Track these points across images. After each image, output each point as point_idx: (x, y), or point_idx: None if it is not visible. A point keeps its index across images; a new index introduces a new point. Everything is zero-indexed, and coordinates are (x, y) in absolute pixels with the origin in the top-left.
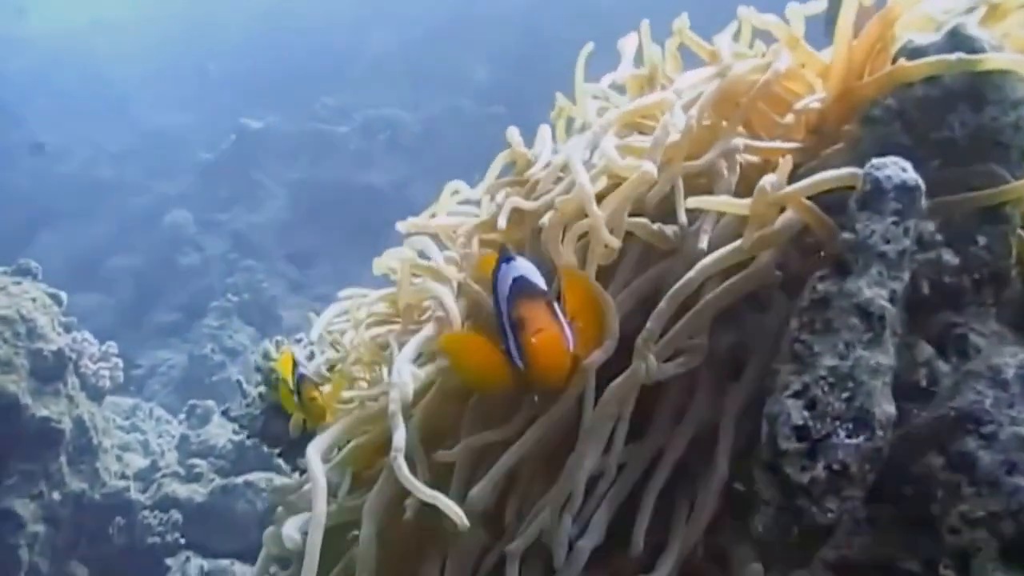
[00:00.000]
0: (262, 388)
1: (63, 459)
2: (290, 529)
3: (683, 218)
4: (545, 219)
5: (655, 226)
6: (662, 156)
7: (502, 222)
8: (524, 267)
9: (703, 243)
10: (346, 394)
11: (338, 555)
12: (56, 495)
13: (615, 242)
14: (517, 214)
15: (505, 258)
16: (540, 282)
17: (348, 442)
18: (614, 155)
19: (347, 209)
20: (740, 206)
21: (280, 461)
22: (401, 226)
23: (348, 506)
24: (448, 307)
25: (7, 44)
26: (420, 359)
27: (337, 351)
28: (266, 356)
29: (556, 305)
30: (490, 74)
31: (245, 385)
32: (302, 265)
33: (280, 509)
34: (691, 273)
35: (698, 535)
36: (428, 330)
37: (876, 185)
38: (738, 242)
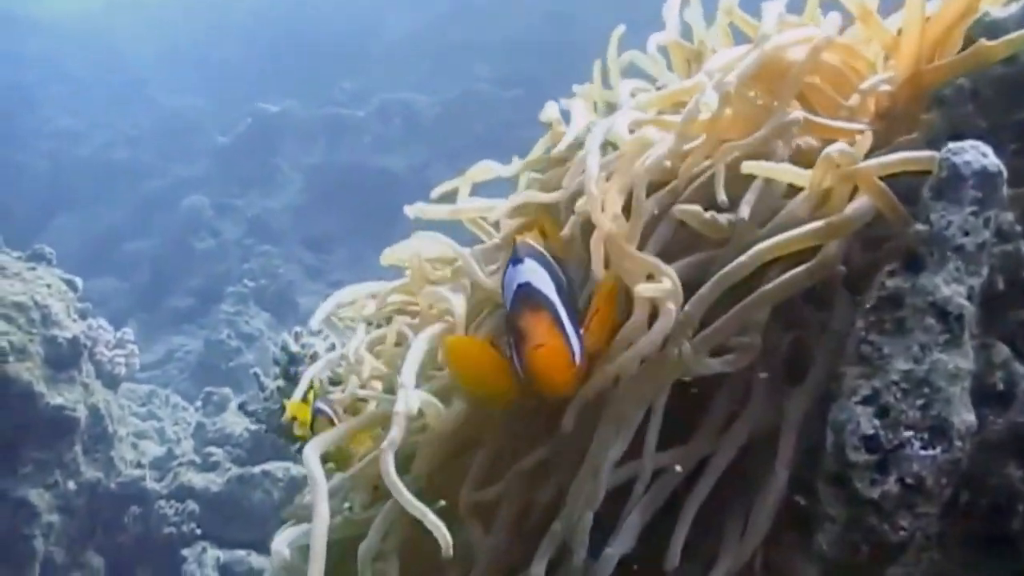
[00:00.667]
0: (280, 381)
1: (78, 448)
2: (280, 544)
3: (723, 196)
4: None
5: (707, 214)
6: (694, 131)
7: (496, 215)
8: (531, 271)
9: (744, 213)
10: (360, 392)
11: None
12: (71, 484)
13: (607, 224)
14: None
15: (514, 259)
16: (547, 287)
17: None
18: (623, 131)
19: (364, 194)
20: (799, 175)
21: (300, 456)
22: (409, 211)
23: (360, 519)
24: (457, 315)
25: (24, 27)
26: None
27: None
28: (284, 348)
29: (563, 313)
30: (508, 57)
31: (263, 378)
32: (319, 250)
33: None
34: (743, 258)
35: (752, 550)
36: (423, 344)
37: (954, 171)
38: (802, 228)
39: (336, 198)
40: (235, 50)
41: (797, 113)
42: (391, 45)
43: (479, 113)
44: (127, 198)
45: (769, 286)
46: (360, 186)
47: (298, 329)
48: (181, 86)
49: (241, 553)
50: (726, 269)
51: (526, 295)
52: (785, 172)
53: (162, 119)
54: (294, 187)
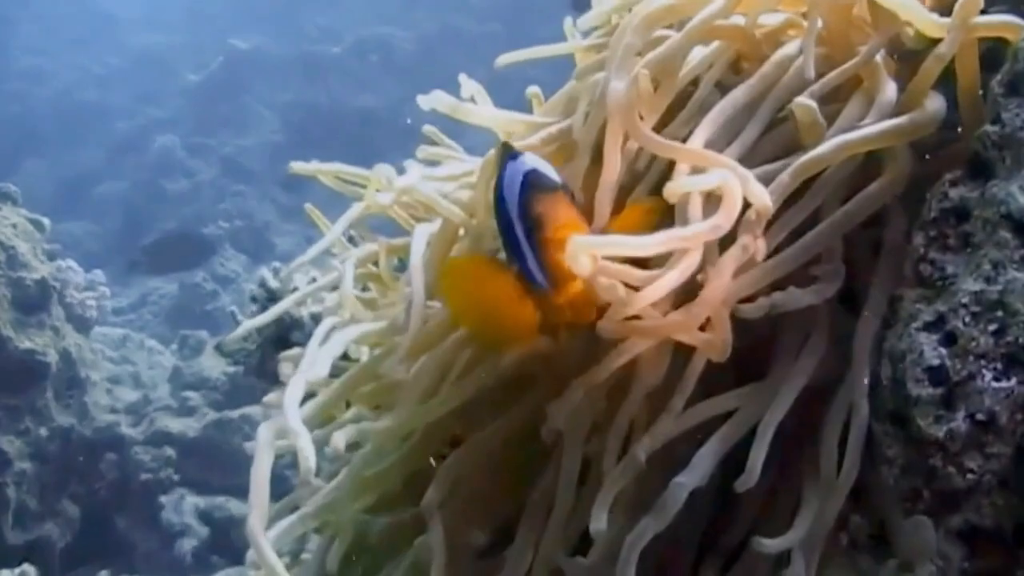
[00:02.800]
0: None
1: (49, 394)
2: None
3: (811, 71)
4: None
5: (811, 104)
6: None
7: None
8: (534, 160)
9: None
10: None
11: None
12: (43, 431)
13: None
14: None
15: (510, 156)
16: (556, 177)
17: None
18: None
19: (340, 132)
20: (932, 23)
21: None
22: (423, 101)
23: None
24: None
25: None
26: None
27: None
28: (262, 284)
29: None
30: None
31: (239, 316)
32: (295, 190)
33: None
34: (824, 148)
35: (844, 496)
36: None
37: None
38: (901, 119)
39: (311, 137)
40: None
41: None
42: None
43: (457, 48)
44: (98, 139)
45: (850, 205)
46: (336, 124)
47: (276, 264)
48: (149, 23)
49: (221, 499)
50: (806, 158)
51: (536, 180)
52: (910, 7)
53: (131, 57)
54: (268, 126)
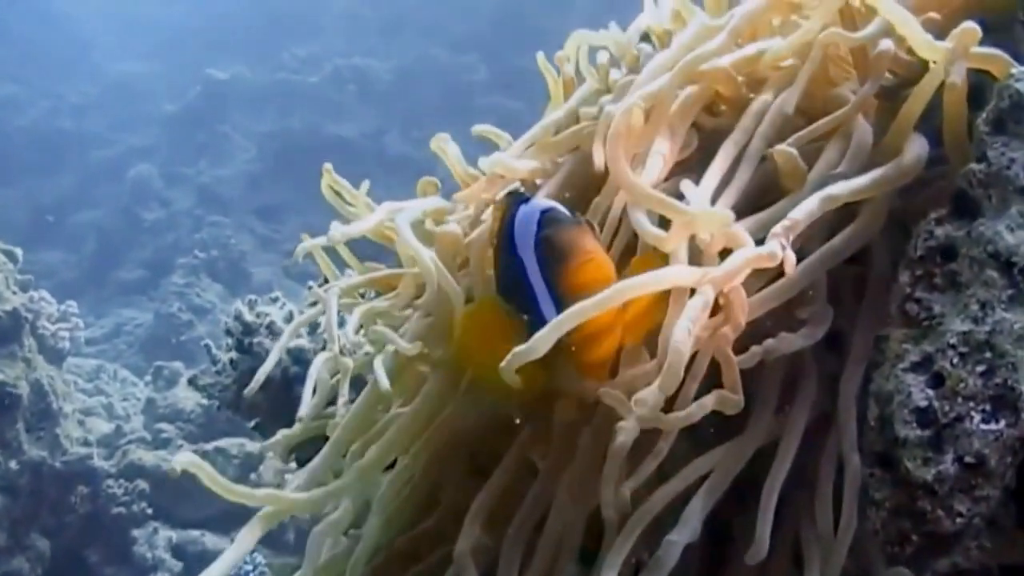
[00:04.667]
0: (233, 353)
1: (20, 425)
2: None
3: (793, 104)
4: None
5: (792, 152)
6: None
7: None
8: (548, 202)
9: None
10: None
11: None
12: (13, 464)
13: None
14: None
15: (520, 200)
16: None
17: None
18: None
19: (317, 162)
20: (929, 45)
21: (257, 433)
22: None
23: None
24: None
25: None
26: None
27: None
28: (238, 317)
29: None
30: (464, 22)
31: (214, 350)
32: (272, 220)
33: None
34: (810, 203)
35: (844, 553)
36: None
37: (1017, 100)
38: (884, 170)
39: (288, 166)
40: (182, 15)
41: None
42: (342, 10)
43: (434, 79)
44: (73, 168)
45: (833, 242)
46: (313, 154)
47: (252, 297)
48: (127, 51)
49: (195, 533)
50: (825, 193)
51: (555, 218)
52: (908, 23)
53: (108, 86)
54: (245, 155)
